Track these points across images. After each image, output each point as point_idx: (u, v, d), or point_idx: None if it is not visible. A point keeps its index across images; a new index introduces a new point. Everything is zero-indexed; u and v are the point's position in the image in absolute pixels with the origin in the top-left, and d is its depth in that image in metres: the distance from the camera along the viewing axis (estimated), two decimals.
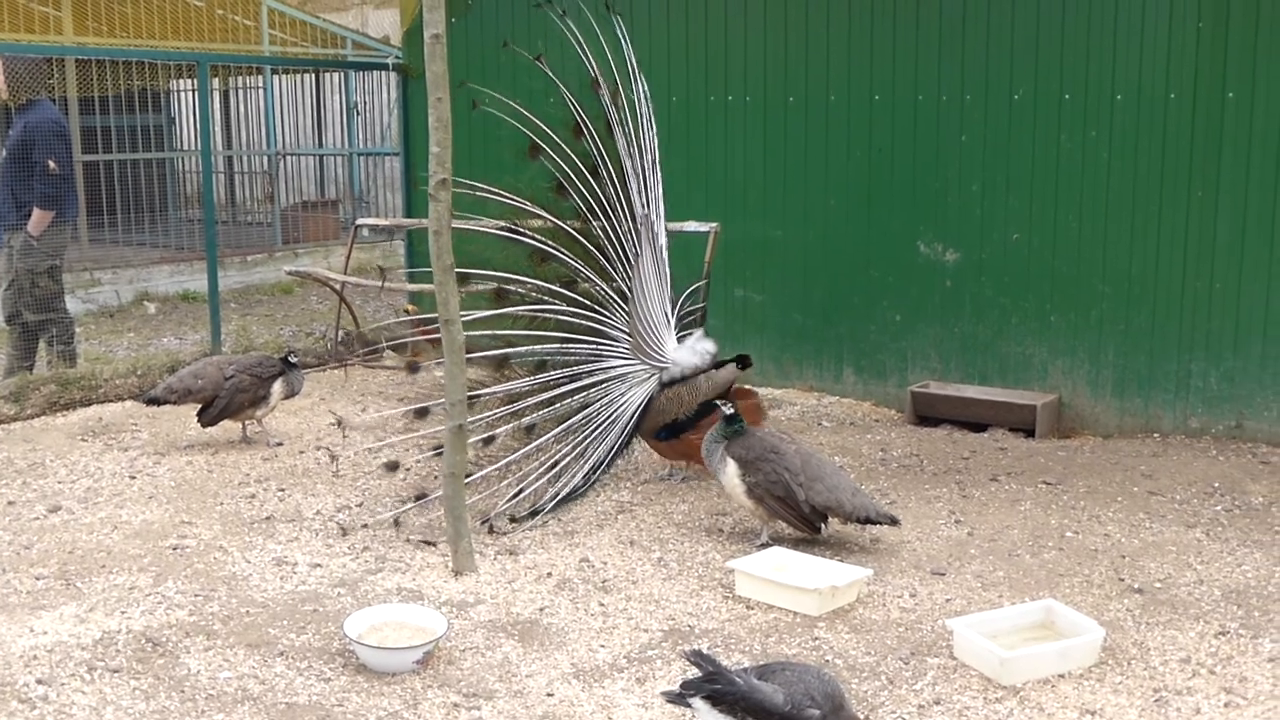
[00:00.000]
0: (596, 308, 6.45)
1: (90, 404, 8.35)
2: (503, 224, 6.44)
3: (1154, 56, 7.31)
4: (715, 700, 3.68)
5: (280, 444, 7.37)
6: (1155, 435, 7.52)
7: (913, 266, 8.21)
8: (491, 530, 5.89)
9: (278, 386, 7.32)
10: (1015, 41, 7.71)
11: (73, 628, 4.82)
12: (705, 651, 3.93)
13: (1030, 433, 7.56)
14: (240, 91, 18.04)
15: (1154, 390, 7.55)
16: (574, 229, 6.46)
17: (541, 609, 5.04)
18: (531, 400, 6.31)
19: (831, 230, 8.48)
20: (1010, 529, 5.93)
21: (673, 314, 6.65)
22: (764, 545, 5.63)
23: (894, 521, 5.61)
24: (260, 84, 17.43)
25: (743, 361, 6.69)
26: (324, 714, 4.17)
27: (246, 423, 7.44)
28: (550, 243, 6.45)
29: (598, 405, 6.37)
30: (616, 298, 6.49)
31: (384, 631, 4.64)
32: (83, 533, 5.90)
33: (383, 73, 15.00)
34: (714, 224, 8.17)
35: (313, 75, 17.40)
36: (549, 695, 4.31)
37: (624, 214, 6.51)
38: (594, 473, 6.30)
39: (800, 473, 5.62)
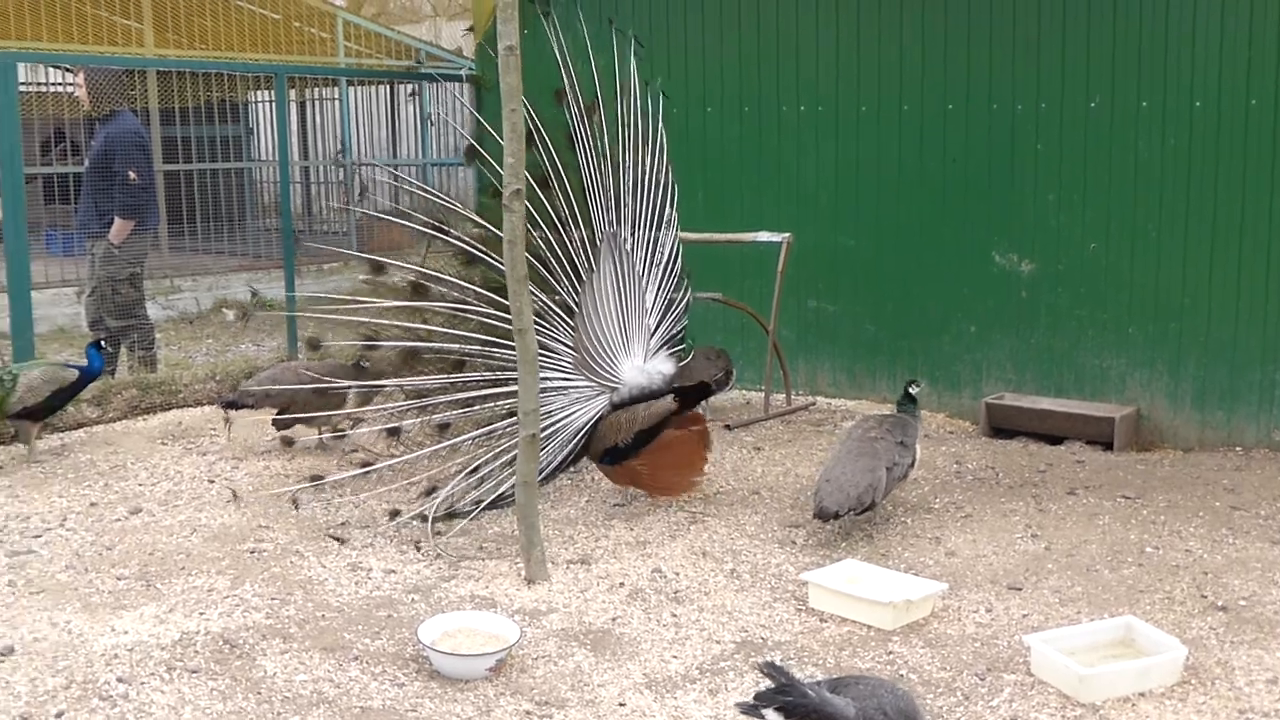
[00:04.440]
0: (533, 318, 6.36)
1: (170, 408, 8.49)
2: (429, 221, 6.47)
3: (1234, 62, 7.18)
4: (787, 712, 3.65)
5: (355, 450, 7.43)
6: (1238, 449, 7.38)
7: (988, 277, 8.13)
8: (395, 519, 5.98)
9: (352, 394, 7.38)
10: (1091, 48, 7.61)
11: (152, 628, 4.90)
12: (778, 663, 3.91)
13: (1108, 446, 7.45)
14: (316, 103, 18.27)
15: (1236, 403, 7.41)
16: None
17: (614, 619, 5.04)
18: (443, 398, 6.26)
19: (905, 241, 8.42)
20: (1088, 543, 5.85)
21: (651, 334, 6.58)
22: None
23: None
24: (336, 95, 17.63)
25: (701, 390, 6.55)
26: (397, 719, 4.20)
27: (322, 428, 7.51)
28: (480, 247, 6.43)
29: None
30: (560, 311, 6.42)
31: (457, 638, 4.66)
32: (163, 535, 6.00)
33: (456, 84, 15.11)
34: (786, 234, 8.17)
35: (387, 86, 17.57)
36: (621, 705, 4.31)
37: (576, 228, 6.46)
38: None
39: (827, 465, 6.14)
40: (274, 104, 11.37)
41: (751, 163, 8.94)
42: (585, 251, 6.47)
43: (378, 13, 24.64)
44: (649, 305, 6.59)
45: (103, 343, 7.71)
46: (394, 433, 6.40)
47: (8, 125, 8.14)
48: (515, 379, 6.15)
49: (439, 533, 5.91)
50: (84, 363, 7.50)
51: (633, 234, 6.58)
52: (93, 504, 6.46)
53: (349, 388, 6.64)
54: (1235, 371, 7.40)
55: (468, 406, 6.31)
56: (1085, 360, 7.87)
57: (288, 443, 6.57)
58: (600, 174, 6.54)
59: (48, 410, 7.33)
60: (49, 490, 6.69)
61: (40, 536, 5.96)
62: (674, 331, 6.73)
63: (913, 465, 6.27)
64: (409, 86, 16.58)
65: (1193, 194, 7.42)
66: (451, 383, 6.31)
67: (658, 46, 9.07)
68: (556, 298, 6.44)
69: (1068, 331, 7.90)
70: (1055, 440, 7.59)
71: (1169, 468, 7.09)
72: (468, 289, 6.42)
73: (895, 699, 3.69)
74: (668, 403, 6.36)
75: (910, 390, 6.60)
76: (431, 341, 6.41)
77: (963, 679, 4.47)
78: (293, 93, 17.49)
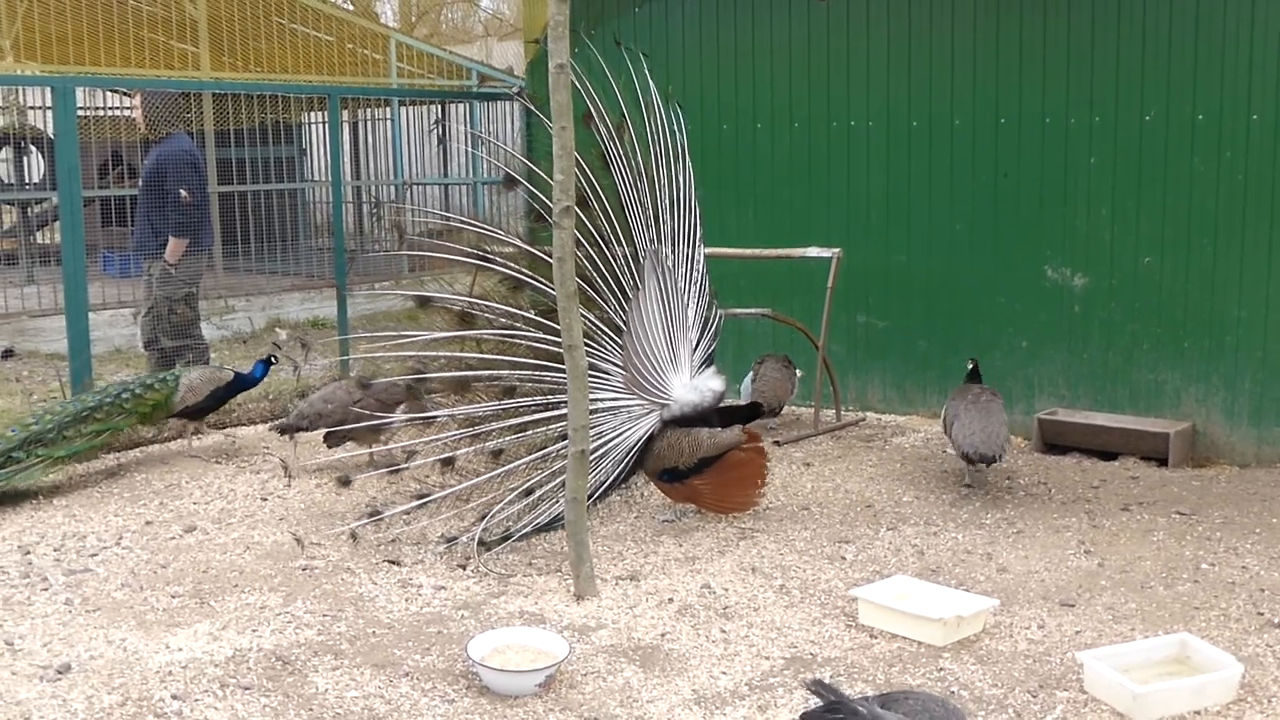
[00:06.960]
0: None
1: (224, 427, 8.59)
2: (472, 250, 6.51)
3: None
4: None
5: (405, 469, 7.46)
6: None
7: (1040, 292, 8.07)
8: (450, 545, 6.03)
9: (403, 411, 7.41)
10: (1146, 63, 7.55)
11: (206, 645, 4.95)
12: (827, 681, 3.90)
13: (1163, 461, 7.36)
14: (369, 123, 18.45)
15: None
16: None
17: (663, 634, 5.03)
18: (497, 425, 6.28)
19: (956, 256, 8.38)
20: (1143, 560, 5.78)
21: (695, 351, 6.58)
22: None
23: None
24: (388, 115, 17.80)
25: (753, 411, 6.76)
26: None
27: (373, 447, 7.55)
28: (525, 271, 6.44)
29: None
30: (608, 330, 6.41)
31: (506, 654, 4.68)
32: (216, 553, 6.06)
33: (507, 103, 15.23)
34: (836, 250, 8.16)
35: (439, 106, 17.73)
36: None
37: (619, 247, 6.48)
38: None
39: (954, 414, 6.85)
40: (327, 125, 11.49)
41: (801, 178, 8.93)
42: (630, 269, 6.49)
43: (430, 34, 24.87)
44: (689, 321, 6.60)
45: (273, 359, 8.25)
46: (449, 463, 6.44)
47: (67, 148, 8.28)
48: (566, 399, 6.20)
49: (488, 548, 5.94)
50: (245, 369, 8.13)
51: (673, 251, 6.59)
52: (148, 522, 6.55)
53: (400, 421, 6.67)
54: None
55: (521, 431, 6.33)
56: (1139, 375, 7.78)
57: (344, 483, 6.63)
58: (638, 191, 6.57)
59: (207, 409, 7.95)
60: (105, 509, 6.78)
61: (96, 555, 6.05)
62: (710, 349, 6.73)
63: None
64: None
65: (1249, 207, 7.32)
66: (504, 409, 6.34)
67: (707, 64, 9.10)
68: (604, 315, 6.44)
69: (1121, 346, 7.83)
70: (1109, 456, 7.51)
71: (1225, 484, 7.00)
72: (516, 314, 6.45)
73: (947, 714, 3.65)
74: (736, 434, 6.36)
75: (977, 369, 7.23)
76: (481, 370, 6.44)
77: (1015, 696, 4.43)
78: (345, 113, 17.68)
